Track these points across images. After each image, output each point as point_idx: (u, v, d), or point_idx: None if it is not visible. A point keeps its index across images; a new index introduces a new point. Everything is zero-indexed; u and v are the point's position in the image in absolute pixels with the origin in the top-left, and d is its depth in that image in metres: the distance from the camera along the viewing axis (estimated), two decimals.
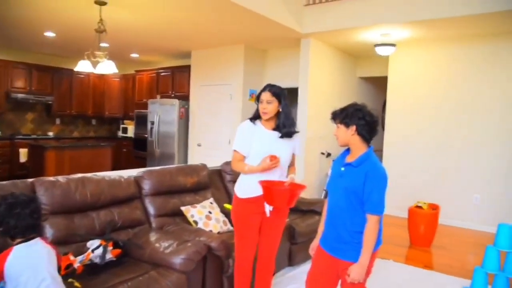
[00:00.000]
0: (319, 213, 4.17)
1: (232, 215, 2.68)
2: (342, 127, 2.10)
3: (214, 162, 4.38)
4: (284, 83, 6.94)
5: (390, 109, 6.41)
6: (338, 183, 2.13)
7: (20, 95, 8.01)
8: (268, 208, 2.54)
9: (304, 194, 5.74)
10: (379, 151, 6.97)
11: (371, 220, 1.98)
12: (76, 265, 2.39)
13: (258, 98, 2.57)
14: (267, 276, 2.76)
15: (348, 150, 2.18)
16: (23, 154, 7.68)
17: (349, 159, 2.12)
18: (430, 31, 5.42)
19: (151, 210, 3.16)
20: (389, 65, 6.38)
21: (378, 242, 2.05)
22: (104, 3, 4.65)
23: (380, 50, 5.73)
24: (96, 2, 4.62)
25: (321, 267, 2.22)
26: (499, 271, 2.22)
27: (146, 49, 7.71)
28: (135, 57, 8.59)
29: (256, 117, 2.62)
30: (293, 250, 3.77)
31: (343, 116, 2.09)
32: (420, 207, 4.74)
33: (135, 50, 7.97)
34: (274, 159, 2.41)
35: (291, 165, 2.68)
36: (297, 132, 2.63)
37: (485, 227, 5.34)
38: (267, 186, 2.35)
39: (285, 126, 2.54)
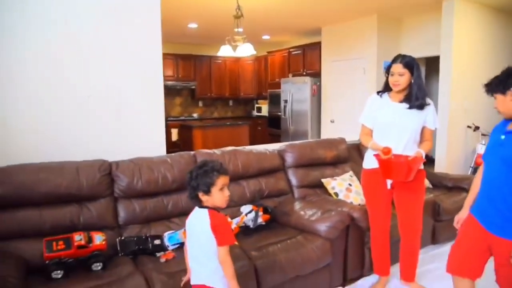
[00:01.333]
0: (466, 190, 3.86)
1: (362, 186, 2.80)
2: (499, 96, 1.88)
3: (348, 137, 4.37)
4: (423, 52, 6.53)
5: None
6: (496, 152, 1.92)
7: (170, 82, 9.11)
8: (389, 181, 2.56)
9: (449, 170, 5.37)
10: None
11: None
12: (233, 226, 2.71)
13: (388, 70, 2.51)
14: (409, 255, 2.72)
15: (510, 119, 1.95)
16: (174, 133, 8.78)
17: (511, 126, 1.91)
18: None
19: (293, 181, 3.35)
20: None
21: None
22: None
23: None
24: None
25: (470, 240, 2.02)
26: None
27: (277, 30, 7.95)
28: (266, 38, 8.94)
29: (384, 89, 2.60)
30: (437, 228, 3.59)
31: (495, 84, 1.88)
32: None
33: (267, 32, 8.28)
34: (387, 153, 2.37)
35: (425, 139, 2.55)
36: (429, 104, 2.51)
37: None
38: (381, 158, 2.38)
39: (417, 98, 2.46)
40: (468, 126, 5.87)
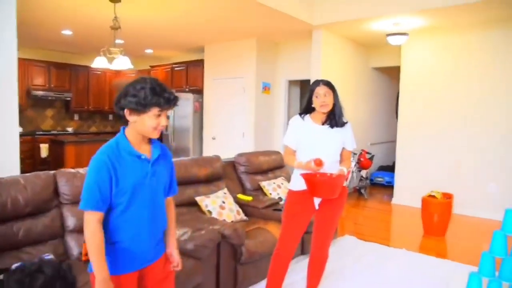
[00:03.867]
0: None
1: (286, 206, 2.72)
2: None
3: (228, 154, 4.47)
4: (297, 76, 7.06)
5: (403, 99, 6.39)
6: None
7: (40, 92, 8.26)
8: (316, 201, 2.60)
9: None
10: (393, 142, 6.96)
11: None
12: None
13: (311, 94, 2.59)
14: (320, 266, 2.82)
15: None
16: (44, 149, 7.92)
17: None
18: (442, 19, 5.38)
19: None
20: (401, 54, 6.35)
21: (120, 264, 1.65)
22: (118, 1, 4.76)
23: (392, 40, 5.71)
24: (110, 0, 4.73)
25: None
26: (506, 256, 2.24)
27: (160, 44, 7.83)
28: (149, 52, 8.74)
29: (305, 111, 2.67)
30: (305, 239, 3.83)
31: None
32: (433, 196, 4.75)
33: (149, 46, 8.11)
34: (319, 165, 2.42)
35: (344, 159, 2.67)
36: (347, 122, 2.66)
37: (501, 216, 5.30)
38: (308, 177, 2.42)
39: (339, 117, 2.60)
40: None
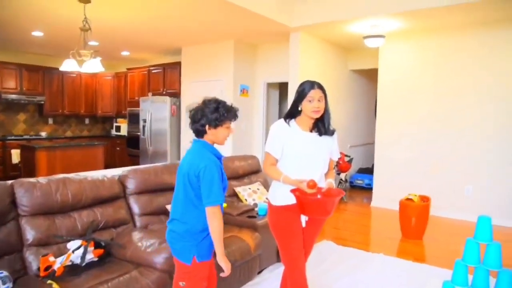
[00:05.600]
0: None
1: (270, 225, 2.42)
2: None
3: None
4: (275, 78, 6.99)
5: (381, 101, 6.38)
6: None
7: (11, 96, 7.96)
8: (304, 218, 2.35)
9: None
10: (373, 144, 6.96)
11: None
12: (56, 266, 2.37)
13: (301, 97, 2.27)
14: None
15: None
16: (15, 155, 7.64)
17: None
18: (419, 21, 5.38)
19: (135, 209, 3.13)
20: (379, 57, 6.34)
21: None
22: (88, 1, 4.61)
23: (369, 42, 5.69)
24: (80, 1, 4.58)
25: None
26: (479, 264, 2.20)
27: (136, 46, 7.66)
28: (126, 55, 8.54)
29: (290, 115, 2.37)
30: None
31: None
32: (411, 199, 4.73)
33: (126, 48, 7.92)
34: (312, 187, 2.13)
35: (330, 169, 2.44)
36: (334, 130, 2.41)
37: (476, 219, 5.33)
38: (300, 196, 2.15)
39: (329, 124, 2.35)
40: None
